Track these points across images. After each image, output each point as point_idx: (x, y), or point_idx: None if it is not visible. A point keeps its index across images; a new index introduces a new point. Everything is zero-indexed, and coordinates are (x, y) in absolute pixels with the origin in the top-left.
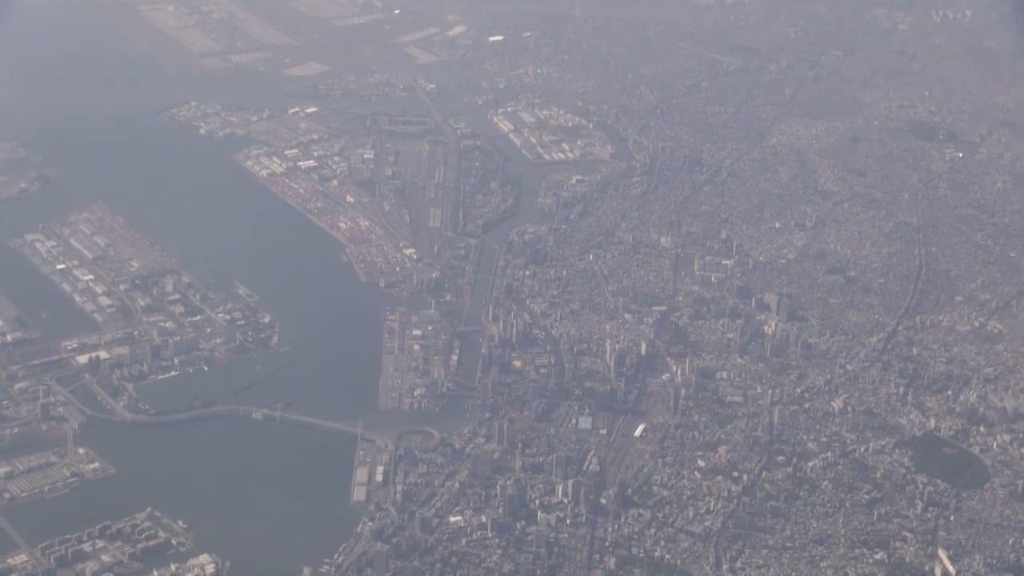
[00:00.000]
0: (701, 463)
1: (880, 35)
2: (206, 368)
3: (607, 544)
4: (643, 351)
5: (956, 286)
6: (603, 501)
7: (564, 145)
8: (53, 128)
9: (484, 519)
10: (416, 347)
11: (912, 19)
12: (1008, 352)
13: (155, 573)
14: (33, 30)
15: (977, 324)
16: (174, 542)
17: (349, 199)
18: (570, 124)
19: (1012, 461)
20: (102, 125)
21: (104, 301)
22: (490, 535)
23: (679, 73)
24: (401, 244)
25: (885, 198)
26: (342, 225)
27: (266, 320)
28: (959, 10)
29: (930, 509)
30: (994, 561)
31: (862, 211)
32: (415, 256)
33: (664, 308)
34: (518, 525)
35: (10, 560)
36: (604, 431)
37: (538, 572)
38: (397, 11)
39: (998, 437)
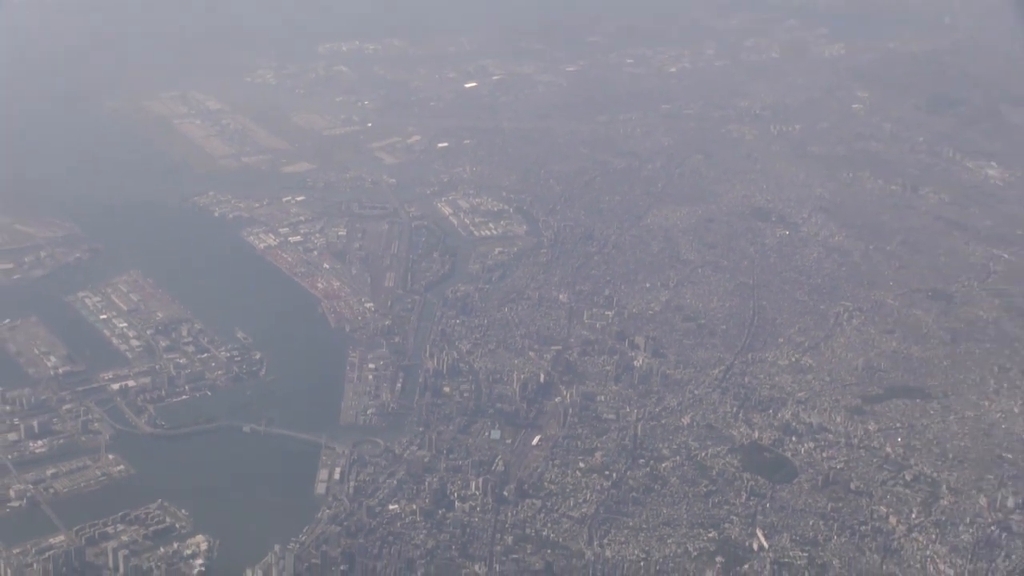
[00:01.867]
0: (581, 464)
1: (731, 143)
2: (209, 393)
3: (507, 526)
4: (541, 380)
5: (779, 331)
6: (505, 494)
7: (490, 225)
8: (102, 211)
9: (415, 507)
10: (370, 377)
11: (756, 132)
12: (816, 381)
13: (161, 549)
14: (88, 135)
15: (794, 359)
16: (177, 526)
17: (325, 265)
18: (495, 209)
19: (815, 462)
20: (140, 210)
21: (134, 342)
22: (418, 519)
23: (580, 171)
24: (363, 299)
25: (729, 264)
26: (319, 285)
27: (257, 356)
28: (791, 125)
29: (751, 499)
30: (798, 538)
31: (712, 274)
32: (373, 309)
33: (559, 347)
34: (440, 512)
35: (51, 540)
36: (509, 441)
37: (453, 547)
38: (369, 124)
39: (805, 445)
